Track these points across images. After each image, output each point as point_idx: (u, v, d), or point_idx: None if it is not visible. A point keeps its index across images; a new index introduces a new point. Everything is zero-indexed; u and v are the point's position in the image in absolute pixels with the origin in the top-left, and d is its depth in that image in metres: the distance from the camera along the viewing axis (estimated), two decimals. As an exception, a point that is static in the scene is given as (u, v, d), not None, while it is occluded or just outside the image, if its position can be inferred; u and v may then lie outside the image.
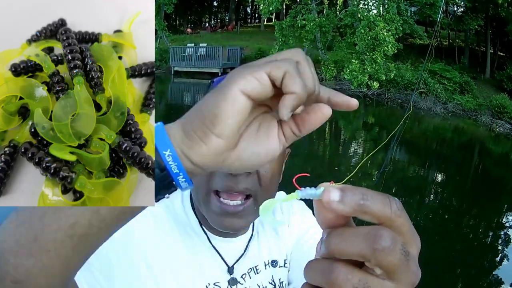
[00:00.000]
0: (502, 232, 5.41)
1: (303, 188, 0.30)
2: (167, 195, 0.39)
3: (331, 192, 0.26)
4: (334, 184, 0.28)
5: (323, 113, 0.35)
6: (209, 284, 0.69)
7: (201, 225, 0.73)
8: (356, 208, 0.26)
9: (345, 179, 0.33)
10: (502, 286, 3.96)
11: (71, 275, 0.42)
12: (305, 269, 0.29)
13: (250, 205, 0.67)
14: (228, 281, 0.71)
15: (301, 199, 0.31)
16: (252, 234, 0.78)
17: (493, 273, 4.29)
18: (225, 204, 0.65)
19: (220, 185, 0.65)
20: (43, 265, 0.38)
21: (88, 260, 0.50)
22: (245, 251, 0.75)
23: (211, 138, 0.34)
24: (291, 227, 0.83)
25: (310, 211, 0.89)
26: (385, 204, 0.26)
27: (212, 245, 0.72)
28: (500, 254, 4.73)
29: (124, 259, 0.62)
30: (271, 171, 0.68)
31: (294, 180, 0.32)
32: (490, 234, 5.44)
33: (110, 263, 0.61)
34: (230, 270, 0.72)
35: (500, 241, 5.12)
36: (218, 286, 0.70)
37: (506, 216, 6.13)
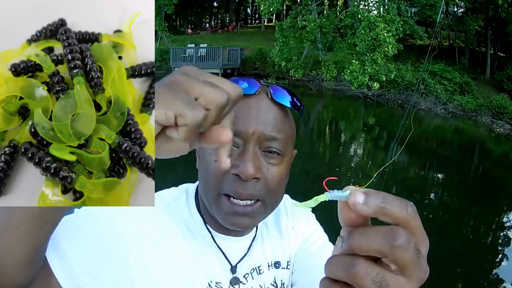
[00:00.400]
0: (502, 233, 5.41)
1: (331, 191, 0.33)
2: None
3: (357, 195, 0.30)
4: (358, 187, 0.32)
5: (219, 139, 0.40)
6: (211, 281, 0.69)
7: (205, 223, 0.73)
8: (378, 210, 0.29)
9: (368, 183, 0.37)
10: (503, 284, 3.96)
11: (38, 251, 0.49)
12: (326, 264, 0.32)
13: (258, 207, 0.67)
14: (230, 281, 0.71)
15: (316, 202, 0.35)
16: (255, 235, 0.78)
17: (494, 272, 4.29)
18: (236, 205, 0.65)
19: (230, 190, 0.65)
20: (15, 240, 0.44)
21: (67, 253, 0.58)
22: (248, 251, 0.75)
23: None
24: (295, 230, 0.83)
25: (314, 215, 0.89)
26: (402, 207, 0.29)
27: (216, 244, 0.72)
28: (500, 254, 4.73)
29: (118, 259, 0.62)
30: (279, 175, 0.67)
31: (324, 183, 0.35)
32: (491, 234, 5.44)
33: (97, 260, 0.60)
34: (233, 269, 0.72)
35: (500, 241, 5.12)
36: (220, 285, 0.70)
37: (507, 216, 6.13)
